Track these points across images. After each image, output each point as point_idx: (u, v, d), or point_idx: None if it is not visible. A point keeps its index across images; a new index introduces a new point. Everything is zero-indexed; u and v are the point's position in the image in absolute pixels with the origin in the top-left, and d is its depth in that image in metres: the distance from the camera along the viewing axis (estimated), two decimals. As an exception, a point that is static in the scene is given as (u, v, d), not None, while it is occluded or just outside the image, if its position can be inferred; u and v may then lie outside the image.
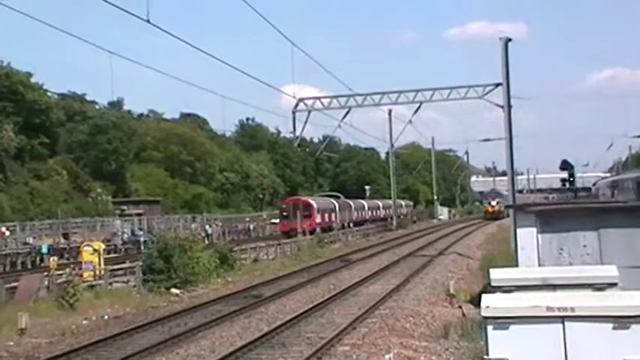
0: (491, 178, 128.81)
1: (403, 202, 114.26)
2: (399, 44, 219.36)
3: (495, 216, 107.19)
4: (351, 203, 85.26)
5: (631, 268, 13.78)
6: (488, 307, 6.30)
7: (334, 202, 79.72)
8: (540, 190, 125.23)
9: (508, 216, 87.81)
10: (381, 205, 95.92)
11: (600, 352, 6.02)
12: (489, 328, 6.29)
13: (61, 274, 29.62)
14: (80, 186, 74.48)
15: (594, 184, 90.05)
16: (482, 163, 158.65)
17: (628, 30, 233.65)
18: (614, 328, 5.98)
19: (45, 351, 19.59)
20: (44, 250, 44.82)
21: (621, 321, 5.98)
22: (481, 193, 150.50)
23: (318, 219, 70.92)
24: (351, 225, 76.57)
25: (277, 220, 74.03)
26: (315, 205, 72.16)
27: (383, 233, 74.63)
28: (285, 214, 70.66)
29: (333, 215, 75.78)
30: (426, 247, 52.85)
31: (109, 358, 18.17)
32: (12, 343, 20.41)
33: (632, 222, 20.44)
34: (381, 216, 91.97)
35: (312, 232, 61.87)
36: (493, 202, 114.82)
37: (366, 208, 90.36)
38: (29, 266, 43.13)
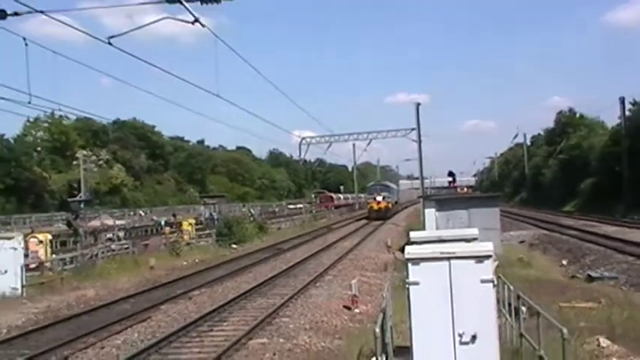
0: (411, 181, 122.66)
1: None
2: (358, 104, 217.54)
3: (382, 215, 50.22)
4: (333, 195, 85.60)
5: (484, 230, 13.90)
6: (408, 253, 6.39)
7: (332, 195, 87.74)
8: (437, 188, 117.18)
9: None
10: (350, 197, 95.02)
11: (469, 277, 6.12)
12: (409, 264, 6.37)
13: (171, 237, 29.71)
14: (181, 188, 74.36)
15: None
16: (407, 172, 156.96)
17: (485, 95, 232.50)
18: (476, 262, 6.11)
19: (164, 278, 19.75)
20: (162, 223, 44.43)
21: (479, 259, 6.12)
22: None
23: (336, 202, 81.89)
24: (333, 208, 76.47)
25: (293, 206, 77.25)
26: (333, 196, 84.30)
27: (350, 213, 74.21)
28: (322, 200, 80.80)
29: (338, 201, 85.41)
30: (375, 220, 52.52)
31: (199, 282, 18.26)
32: (147, 274, 20.55)
33: (484, 204, 21.08)
34: (350, 203, 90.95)
35: (336, 208, 73.23)
36: (379, 197, 52.31)
37: (342, 198, 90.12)
38: (155, 232, 42.95)
